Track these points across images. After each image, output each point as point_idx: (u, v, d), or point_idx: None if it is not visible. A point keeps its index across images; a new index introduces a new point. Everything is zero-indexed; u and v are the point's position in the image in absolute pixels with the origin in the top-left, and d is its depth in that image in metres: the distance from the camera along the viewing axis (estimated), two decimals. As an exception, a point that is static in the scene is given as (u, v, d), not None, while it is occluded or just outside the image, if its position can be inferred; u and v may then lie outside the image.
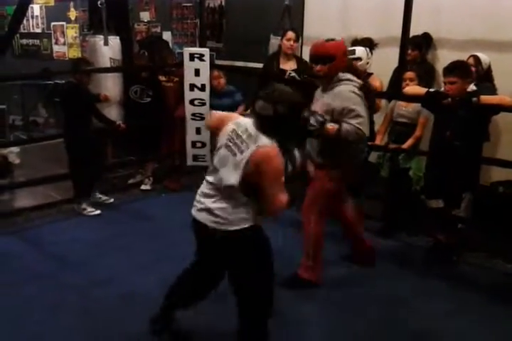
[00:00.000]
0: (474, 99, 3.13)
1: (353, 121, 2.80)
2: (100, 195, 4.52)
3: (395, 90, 3.77)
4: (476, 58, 3.56)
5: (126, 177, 5.10)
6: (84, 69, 4.20)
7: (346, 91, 2.84)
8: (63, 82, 4.59)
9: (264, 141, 2.09)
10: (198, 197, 2.33)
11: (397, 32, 3.71)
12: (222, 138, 2.23)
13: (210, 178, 2.27)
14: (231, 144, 2.17)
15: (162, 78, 4.80)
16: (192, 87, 4.57)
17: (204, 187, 2.30)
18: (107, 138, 4.96)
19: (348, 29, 4.47)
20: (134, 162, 5.19)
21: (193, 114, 4.63)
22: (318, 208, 3.07)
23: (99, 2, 4.84)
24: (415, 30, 3.77)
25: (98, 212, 4.31)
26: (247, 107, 4.38)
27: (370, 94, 2.92)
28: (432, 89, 3.36)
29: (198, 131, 4.68)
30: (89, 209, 4.32)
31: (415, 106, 3.68)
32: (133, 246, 3.70)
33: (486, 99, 3.15)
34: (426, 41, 4.06)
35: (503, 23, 3.79)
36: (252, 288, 2.27)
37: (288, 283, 3.07)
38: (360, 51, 3.79)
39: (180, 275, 2.56)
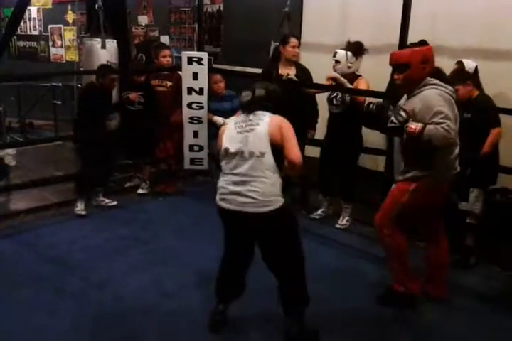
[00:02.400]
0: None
1: (440, 121, 2.58)
2: (103, 198, 4.53)
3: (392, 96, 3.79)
4: (461, 63, 3.69)
5: (123, 181, 5.09)
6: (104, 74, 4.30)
7: (432, 94, 2.68)
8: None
9: (266, 114, 2.53)
10: (226, 190, 2.49)
11: (395, 39, 3.75)
12: (230, 131, 2.55)
13: (236, 170, 2.47)
14: (243, 126, 2.51)
15: (155, 82, 4.77)
16: (190, 90, 4.58)
17: (232, 180, 2.48)
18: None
19: (346, 36, 4.48)
20: (130, 166, 5.19)
21: (191, 118, 4.64)
22: (389, 222, 2.85)
23: (96, 5, 4.86)
24: (412, 37, 3.80)
25: (84, 212, 4.30)
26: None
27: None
28: None
29: (196, 134, 4.69)
30: (79, 208, 4.31)
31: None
32: (129, 249, 3.70)
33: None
34: (423, 48, 4.10)
35: (499, 31, 3.83)
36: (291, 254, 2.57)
37: (385, 299, 2.98)
38: (340, 54, 3.88)
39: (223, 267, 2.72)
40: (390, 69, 3.74)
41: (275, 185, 2.46)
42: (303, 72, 4.28)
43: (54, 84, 7.09)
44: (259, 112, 2.55)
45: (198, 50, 5.04)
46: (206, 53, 4.71)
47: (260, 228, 2.50)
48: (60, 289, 3.13)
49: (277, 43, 4.53)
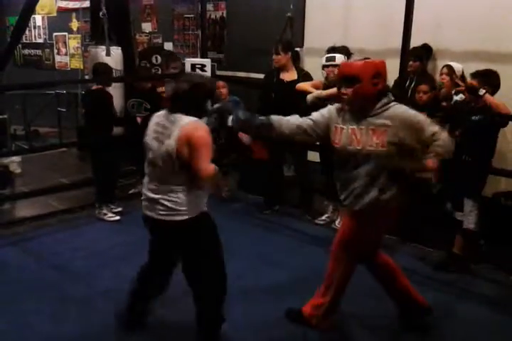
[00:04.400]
0: (482, 90, 3.17)
1: (437, 128, 2.43)
2: (110, 204, 4.54)
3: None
4: (449, 67, 3.75)
5: (127, 187, 5.10)
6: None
7: (406, 109, 2.46)
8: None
9: (185, 120, 2.30)
10: (145, 196, 2.47)
11: (397, 43, 3.75)
12: (150, 130, 2.41)
13: (151, 177, 2.43)
14: (159, 131, 2.35)
15: (160, 89, 4.79)
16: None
17: (148, 187, 2.44)
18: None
19: (348, 40, 4.49)
20: (134, 172, 5.19)
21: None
22: (347, 254, 2.64)
23: (101, 13, 4.89)
24: (415, 41, 3.80)
25: (118, 218, 4.38)
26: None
27: None
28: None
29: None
30: (110, 214, 4.38)
31: None
32: (133, 256, 3.67)
33: (490, 97, 3.20)
34: (426, 52, 4.10)
35: (502, 34, 3.83)
36: (203, 275, 2.48)
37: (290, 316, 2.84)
38: (339, 58, 3.86)
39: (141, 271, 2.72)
40: (393, 75, 3.77)
41: (189, 195, 2.35)
42: (304, 77, 4.28)
43: (58, 91, 7.13)
44: (178, 116, 2.31)
45: (202, 57, 5.06)
46: (209, 60, 4.73)
47: (172, 238, 2.45)
48: (65, 297, 3.13)
49: None
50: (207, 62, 4.64)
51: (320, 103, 3.19)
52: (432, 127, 2.42)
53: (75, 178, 4.83)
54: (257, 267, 3.52)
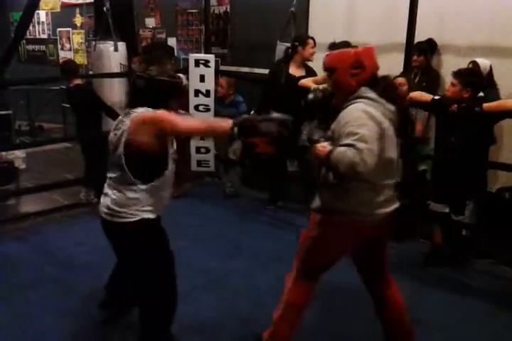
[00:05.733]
0: (477, 108, 3.14)
1: (351, 143, 1.96)
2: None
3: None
4: (475, 64, 3.59)
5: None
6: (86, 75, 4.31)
7: (355, 110, 2.08)
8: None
9: (138, 110, 2.15)
10: (104, 191, 2.30)
11: (402, 38, 3.73)
12: (111, 132, 2.24)
13: (109, 173, 2.25)
14: (116, 127, 2.20)
15: None
16: (197, 92, 4.61)
17: (107, 182, 2.27)
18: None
19: (352, 35, 4.48)
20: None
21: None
22: (300, 268, 2.33)
23: (105, 8, 4.88)
24: (419, 36, 3.79)
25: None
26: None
27: (405, 121, 2.28)
28: (437, 97, 3.38)
29: (202, 136, 4.70)
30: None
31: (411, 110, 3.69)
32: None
33: (487, 106, 3.15)
34: (430, 47, 4.08)
35: (507, 28, 3.80)
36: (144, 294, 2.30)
37: None
38: None
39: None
40: (397, 70, 3.76)
41: (135, 197, 2.16)
42: (310, 74, 4.28)
43: (63, 87, 7.13)
44: (134, 110, 2.17)
45: (205, 52, 5.06)
46: (213, 56, 4.74)
47: (113, 239, 2.32)
48: (70, 290, 3.16)
49: (285, 44, 4.53)
50: (211, 57, 4.64)
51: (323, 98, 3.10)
52: (348, 140, 1.98)
53: (80, 174, 4.84)
54: (265, 264, 3.52)
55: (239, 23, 5.76)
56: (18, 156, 5.26)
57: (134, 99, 2.22)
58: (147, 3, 6.76)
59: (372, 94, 2.13)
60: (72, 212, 4.45)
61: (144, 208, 2.19)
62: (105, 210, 2.23)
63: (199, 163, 4.81)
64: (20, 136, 6.92)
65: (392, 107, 2.15)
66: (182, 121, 2.11)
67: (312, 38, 4.36)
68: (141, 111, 2.16)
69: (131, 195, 2.16)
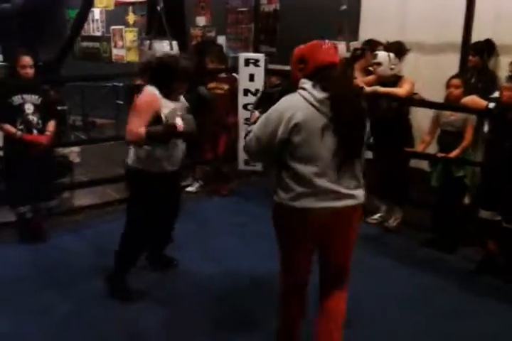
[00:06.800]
0: None
1: (250, 128, 2.27)
2: None
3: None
4: None
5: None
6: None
7: (282, 100, 2.21)
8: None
9: (145, 89, 2.86)
10: None
11: (457, 37, 3.64)
12: None
13: None
14: None
15: (212, 85, 4.80)
16: (246, 92, 4.64)
17: None
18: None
19: (404, 34, 4.40)
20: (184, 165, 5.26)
21: (247, 119, 4.69)
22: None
23: (158, 7, 4.97)
24: (476, 36, 3.68)
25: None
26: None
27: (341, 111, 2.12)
28: (491, 104, 3.27)
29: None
30: None
31: (462, 114, 3.59)
32: (186, 246, 3.77)
33: None
34: (488, 48, 3.95)
35: None
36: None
37: None
38: (381, 56, 3.77)
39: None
40: (452, 71, 3.66)
41: (135, 153, 2.92)
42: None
43: (116, 84, 7.35)
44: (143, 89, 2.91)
45: (254, 51, 5.08)
46: (263, 55, 4.76)
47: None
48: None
49: (341, 42, 4.44)
50: (260, 57, 4.67)
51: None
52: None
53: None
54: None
55: (288, 22, 5.76)
56: (73, 151, 5.45)
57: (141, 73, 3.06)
58: (198, 2, 6.85)
59: (307, 85, 2.16)
60: (124, 206, 4.55)
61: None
62: None
63: (247, 162, 4.86)
64: (74, 131, 7.17)
65: (321, 95, 2.11)
66: (134, 121, 2.80)
67: (382, 44, 4.12)
68: (145, 90, 2.86)
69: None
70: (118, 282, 3.09)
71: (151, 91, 2.83)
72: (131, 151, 2.97)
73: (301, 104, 2.13)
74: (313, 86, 2.14)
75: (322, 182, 2.14)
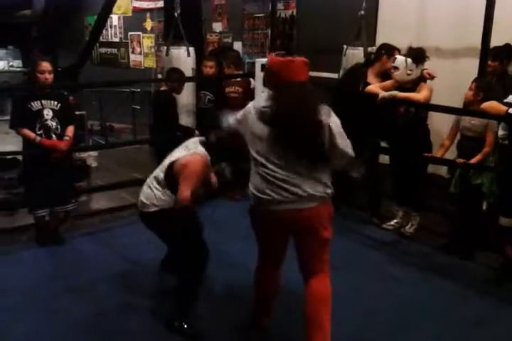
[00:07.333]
0: None
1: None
2: None
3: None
4: None
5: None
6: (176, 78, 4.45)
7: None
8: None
9: (200, 153, 2.81)
10: None
11: (477, 42, 3.60)
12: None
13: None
14: (182, 145, 2.98)
15: (229, 89, 4.86)
16: (262, 96, 4.64)
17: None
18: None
19: (422, 38, 4.37)
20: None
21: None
22: None
23: (176, 13, 5.01)
24: (495, 41, 3.63)
25: None
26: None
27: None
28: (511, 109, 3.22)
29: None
30: None
31: (482, 119, 3.54)
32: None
33: None
34: (507, 52, 3.90)
35: None
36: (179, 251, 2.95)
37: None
38: (398, 61, 3.75)
39: None
40: (472, 76, 3.62)
41: (162, 196, 2.84)
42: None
43: (133, 89, 7.43)
44: (198, 146, 2.86)
45: (271, 56, 5.09)
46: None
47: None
48: (136, 288, 3.27)
49: (357, 48, 4.44)
50: (277, 61, 4.66)
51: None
52: None
53: (148, 173, 5.00)
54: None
55: (305, 27, 5.76)
56: (90, 155, 5.52)
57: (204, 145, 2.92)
58: (215, 8, 6.89)
59: (263, 93, 2.60)
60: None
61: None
62: None
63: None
64: (92, 135, 7.26)
65: (265, 103, 2.42)
66: (188, 186, 2.74)
67: (399, 51, 4.04)
68: (194, 152, 2.82)
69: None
70: (185, 319, 2.87)
71: (206, 157, 2.83)
72: (153, 196, 2.88)
73: (257, 104, 2.49)
74: (268, 95, 2.44)
75: (272, 181, 2.50)
